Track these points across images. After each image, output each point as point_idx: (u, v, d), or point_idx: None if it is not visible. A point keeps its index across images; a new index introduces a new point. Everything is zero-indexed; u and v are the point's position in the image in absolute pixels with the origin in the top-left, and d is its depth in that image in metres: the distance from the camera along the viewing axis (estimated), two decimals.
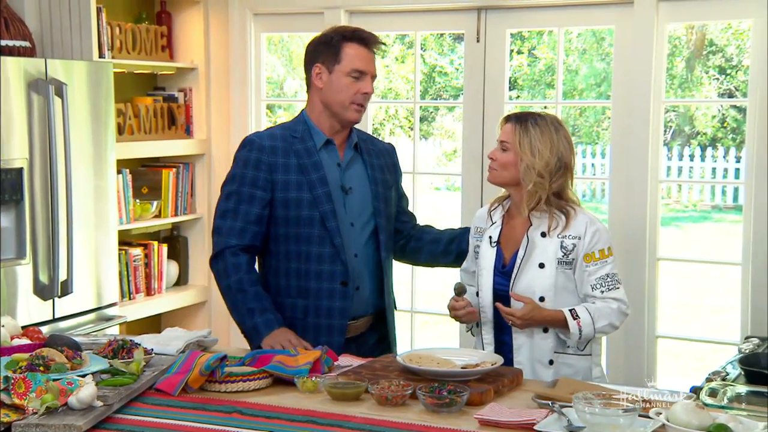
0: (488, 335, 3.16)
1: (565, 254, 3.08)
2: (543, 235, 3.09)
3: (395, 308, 3.46)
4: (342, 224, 3.23)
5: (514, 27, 4.97)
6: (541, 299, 3.06)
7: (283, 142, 3.24)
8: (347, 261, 3.22)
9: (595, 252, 3.07)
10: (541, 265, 3.07)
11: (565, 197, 3.13)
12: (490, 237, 3.17)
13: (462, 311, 3.13)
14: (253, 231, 3.21)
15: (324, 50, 3.23)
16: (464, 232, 3.44)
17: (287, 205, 3.20)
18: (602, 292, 3.06)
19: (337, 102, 3.22)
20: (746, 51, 11.98)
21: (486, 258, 3.16)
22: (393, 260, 3.47)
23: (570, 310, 3.01)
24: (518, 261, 3.09)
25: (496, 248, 3.15)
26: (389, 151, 3.51)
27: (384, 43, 3.36)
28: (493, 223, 3.20)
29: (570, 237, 3.08)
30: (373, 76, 3.27)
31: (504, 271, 3.13)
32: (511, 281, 3.09)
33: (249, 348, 3.19)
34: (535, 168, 3.06)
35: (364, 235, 3.30)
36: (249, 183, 3.20)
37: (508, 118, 3.13)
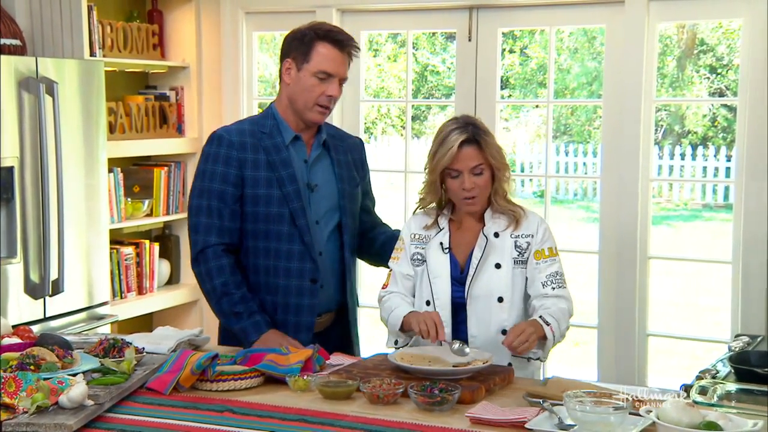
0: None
1: (520, 253, 3.07)
2: (496, 235, 3.07)
3: (358, 305, 3.44)
4: (309, 222, 3.21)
5: (505, 26, 4.98)
6: (500, 299, 3.05)
7: (251, 138, 3.21)
8: (316, 258, 3.21)
9: (545, 249, 3.08)
10: (498, 266, 3.05)
11: (509, 198, 3.13)
12: (441, 243, 3.11)
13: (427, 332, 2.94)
14: (230, 228, 3.19)
15: (296, 46, 3.18)
16: (393, 238, 3.37)
17: (256, 202, 3.18)
18: (553, 288, 3.04)
19: (300, 101, 3.19)
20: (737, 50, 12.01)
21: (440, 265, 3.09)
22: (356, 258, 3.46)
23: (540, 317, 2.96)
24: (475, 262, 3.06)
25: (449, 255, 3.11)
26: (358, 146, 3.47)
27: (359, 47, 3.30)
28: (440, 230, 3.13)
29: (523, 236, 3.08)
30: (342, 79, 3.21)
31: (460, 278, 3.09)
32: (468, 283, 3.06)
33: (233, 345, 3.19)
34: (506, 166, 3.09)
35: (327, 233, 3.28)
36: (220, 179, 3.17)
37: (462, 144, 3.00)
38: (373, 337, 5.33)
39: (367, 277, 4.95)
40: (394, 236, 3.38)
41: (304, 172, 3.24)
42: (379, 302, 3.18)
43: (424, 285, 3.12)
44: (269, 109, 3.30)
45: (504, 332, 3.03)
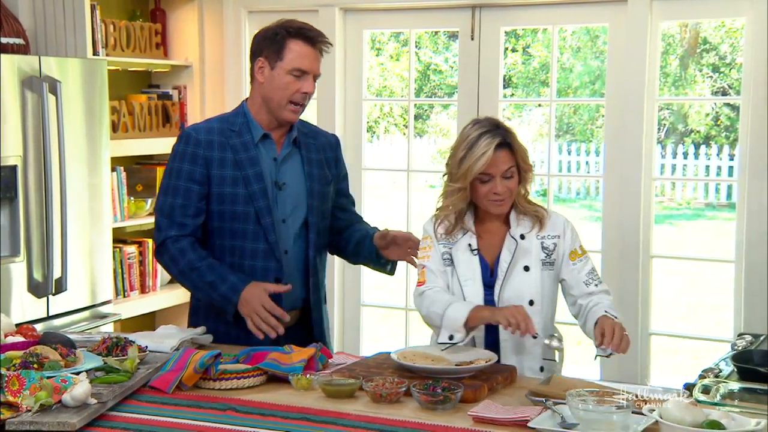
0: (479, 347, 3.04)
1: (547, 255, 3.04)
2: (522, 237, 3.04)
3: (324, 303, 3.42)
4: (275, 220, 3.22)
5: (508, 25, 4.98)
6: (531, 303, 3.01)
7: (219, 136, 3.22)
8: (281, 257, 3.22)
9: (577, 249, 3.07)
10: (526, 268, 3.03)
11: (529, 198, 3.10)
12: (469, 245, 3.06)
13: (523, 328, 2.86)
14: (193, 225, 3.21)
15: (268, 45, 3.18)
16: (367, 237, 3.36)
17: (222, 200, 3.19)
18: (596, 285, 3.04)
19: (275, 99, 3.18)
20: (740, 49, 12.01)
21: (470, 267, 3.04)
22: (326, 257, 3.45)
23: (606, 312, 2.93)
24: (504, 266, 3.02)
25: (478, 256, 3.08)
26: (332, 144, 3.45)
27: (330, 43, 3.29)
28: (467, 231, 3.07)
29: (549, 237, 3.05)
30: (316, 76, 3.21)
31: (489, 281, 3.04)
32: (498, 287, 3.02)
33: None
34: (531, 167, 3.05)
35: (295, 232, 3.27)
36: (186, 177, 3.19)
37: (497, 147, 2.94)
38: (377, 337, 5.33)
39: (371, 277, 4.94)
40: (368, 234, 3.38)
41: (272, 171, 3.24)
42: (419, 297, 3.06)
43: (454, 287, 3.06)
44: (240, 107, 3.30)
45: (535, 336, 2.96)
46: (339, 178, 3.44)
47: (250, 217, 3.18)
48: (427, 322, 3.08)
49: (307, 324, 3.34)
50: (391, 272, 3.47)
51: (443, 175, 3.09)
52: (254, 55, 3.23)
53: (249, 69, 3.28)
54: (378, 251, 3.36)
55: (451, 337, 2.93)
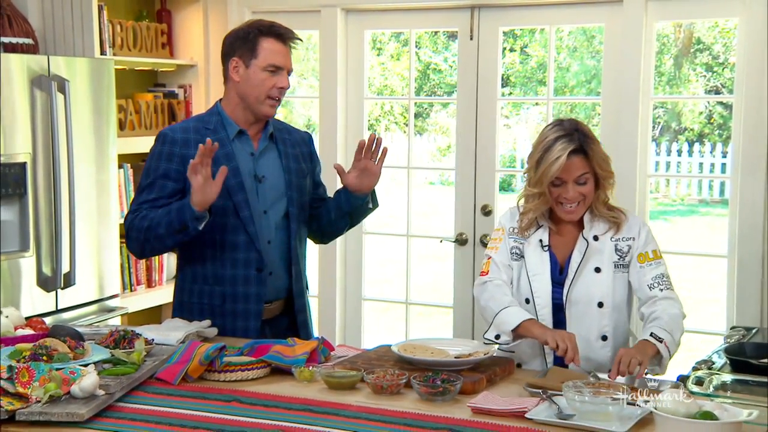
0: (549, 354, 3.02)
1: (621, 257, 3.01)
2: (595, 238, 3.01)
3: (307, 291, 3.47)
4: (255, 212, 3.27)
5: (506, 25, 5.00)
6: (600, 305, 2.99)
7: (195, 134, 3.28)
8: (261, 248, 3.27)
9: (648, 252, 3.01)
10: (597, 270, 3.00)
11: (610, 204, 3.07)
12: (540, 240, 3.04)
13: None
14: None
15: (241, 45, 3.27)
16: (339, 194, 3.41)
17: None
18: (661, 290, 2.98)
19: (253, 96, 3.26)
20: (733, 49, 12.03)
21: (539, 263, 3.03)
22: (306, 247, 3.51)
23: (651, 335, 2.85)
24: (574, 266, 3.00)
25: (548, 252, 3.05)
26: (305, 140, 3.53)
27: (300, 39, 3.37)
28: (539, 227, 3.05)
29: (624, 239, 3.01)
30: (289, 71, 3.30)
31: (558, 279, 3.03)
32: (567, 287, 3.00)
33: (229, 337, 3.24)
34: (611, 174, 3.02)
35: (276, 222, 3.34)
36: (161, 175, 3.25)
37: (572, 153, 2.91)
38: (378, 330, 5.36)
39: (373, 273, 5.00)
40: (336, 193, 3.43)
41: (250, 165, 3.31)
42: (480, 287, 3.08)
43: (522, 282, 3.06)
44: (215, 107, 3.38)
45: (605, 338, 2.99)
46: (314, 172, 3.53)
47: (229, 211, 3.24)
48: (482, 313, 3.11)
49: (290, 313, 3.41)
50: (375, 206, 3.49)
51: (524, 173, 3.08)
52: (227, 56, 3.31)
53: (222, 70, 3.35)
54: (356, 196, 3.36)
55: (497, 337, 2.97)
